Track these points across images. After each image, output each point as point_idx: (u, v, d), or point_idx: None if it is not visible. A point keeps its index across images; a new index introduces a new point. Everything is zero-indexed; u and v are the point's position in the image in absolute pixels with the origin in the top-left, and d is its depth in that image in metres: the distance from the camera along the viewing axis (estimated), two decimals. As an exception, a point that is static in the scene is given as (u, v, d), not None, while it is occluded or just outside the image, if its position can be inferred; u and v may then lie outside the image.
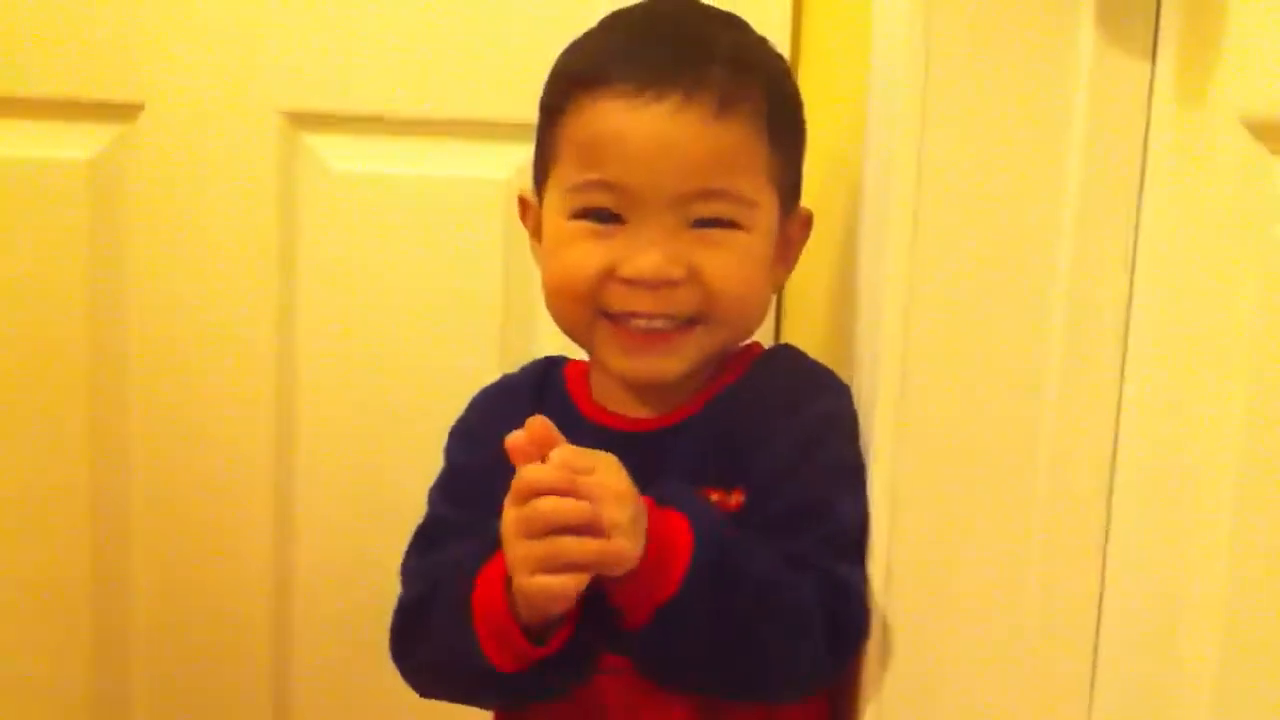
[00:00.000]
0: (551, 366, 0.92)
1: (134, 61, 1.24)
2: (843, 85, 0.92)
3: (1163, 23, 0.74)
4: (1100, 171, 0.75)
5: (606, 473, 0.72)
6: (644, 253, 0.80)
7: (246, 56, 1.24)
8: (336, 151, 1.25)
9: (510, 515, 0.71)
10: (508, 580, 0.74)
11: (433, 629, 0.80)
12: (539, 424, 0.72)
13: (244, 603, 1.31)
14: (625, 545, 0.70)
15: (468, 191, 1.24)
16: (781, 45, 1.13)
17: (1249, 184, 0.66)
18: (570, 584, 0.70)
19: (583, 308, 0.83)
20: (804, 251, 0.91)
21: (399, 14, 1.23)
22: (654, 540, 0.72)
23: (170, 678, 1.33)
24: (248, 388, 1.28)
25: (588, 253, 0.82)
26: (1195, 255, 0.71)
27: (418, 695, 0.84)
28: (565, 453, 0.71)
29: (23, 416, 1.29)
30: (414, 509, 0.90)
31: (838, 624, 0.79)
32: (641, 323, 0.82)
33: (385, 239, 1.25)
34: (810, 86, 1.10)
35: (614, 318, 0.82)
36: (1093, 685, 0.79)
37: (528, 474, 0.71)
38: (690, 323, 0.82)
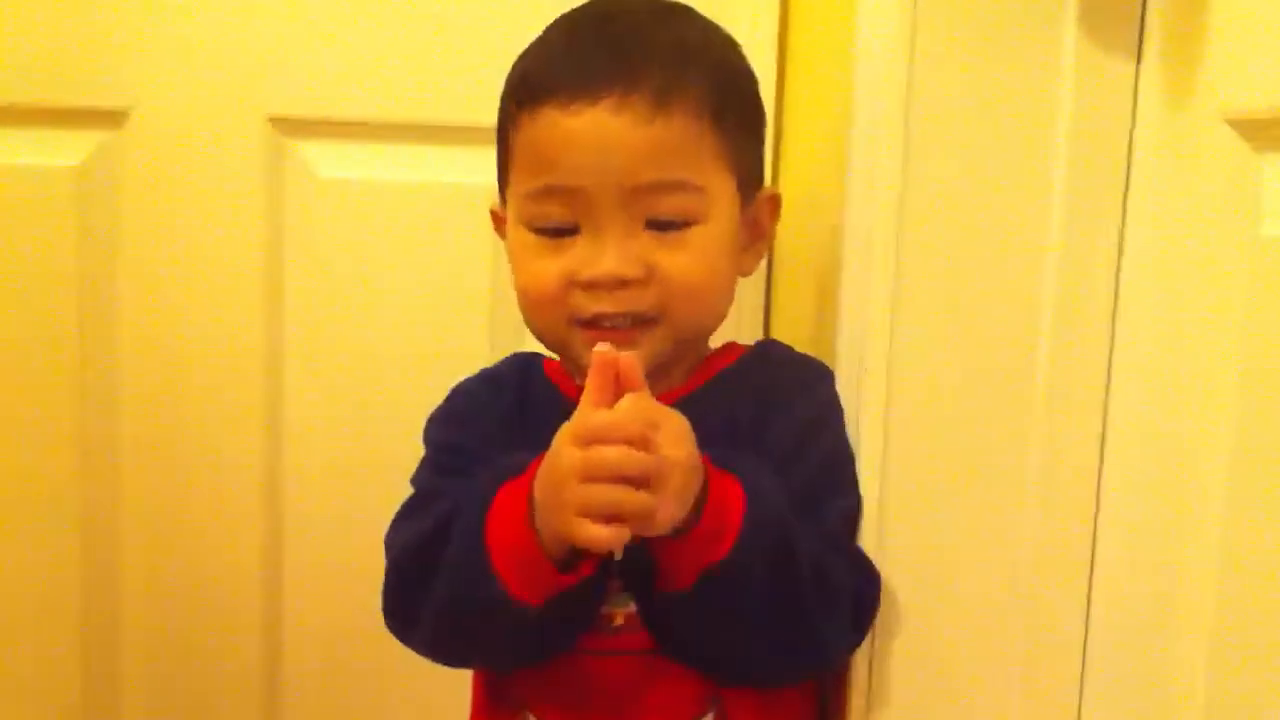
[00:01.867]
0: (530, 359, 0.93)
1: (120, 68, 1.24)
2: (828, 82, 0.92)
3: (1147, 22, 0.74)
4: (1086, 170, 0.76)
5: (673, 439, 0.72)
6: (599, 255, 0.81)
7: (233, 63, 1.24)
8: (323, 157, 1.25)
9: (569, 455, 0.71)
10: (530, 509, 0.74)
11: (441, 574, 0.79)
12: (630, 360, 0.73)
13: (234, 603, 1.31)
14: (669, 511, 0.71)
15: (454, 196, 1.24)
16: (767, 42, 1.14)
17: (1234, 182, 0.66)
18: (617, 536, 0.70)
19: (553, 317, 0.84)
20: (792, 244, 0.91)
21: (385, 20, 1.23)
22: (712, 503, 0.73)
23: (160, 678, 1.32)
24: (236, 392, 1.28)
25: (547, 264, 0.83)
26: (1182, 253, 0.71)
27: (416, 651, 0.83)
28: (637, 402, 0.72)
29: (12, 421, 1.29)
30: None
31: (862, 603, 0.80)
32: (608, 323, 0.82)
33: (373, 244, 1.25)
34: (796, 83, 1.11)
35: (585, 323, 0.83)
36: (1083, 671, 0.79)
37: (600, 419, 0.71)
38: (651, 321, 0.83)
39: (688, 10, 0.89)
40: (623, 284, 0.81)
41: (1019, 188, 0.77)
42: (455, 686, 0.90)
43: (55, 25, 1.23)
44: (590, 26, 0.86)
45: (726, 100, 0.84)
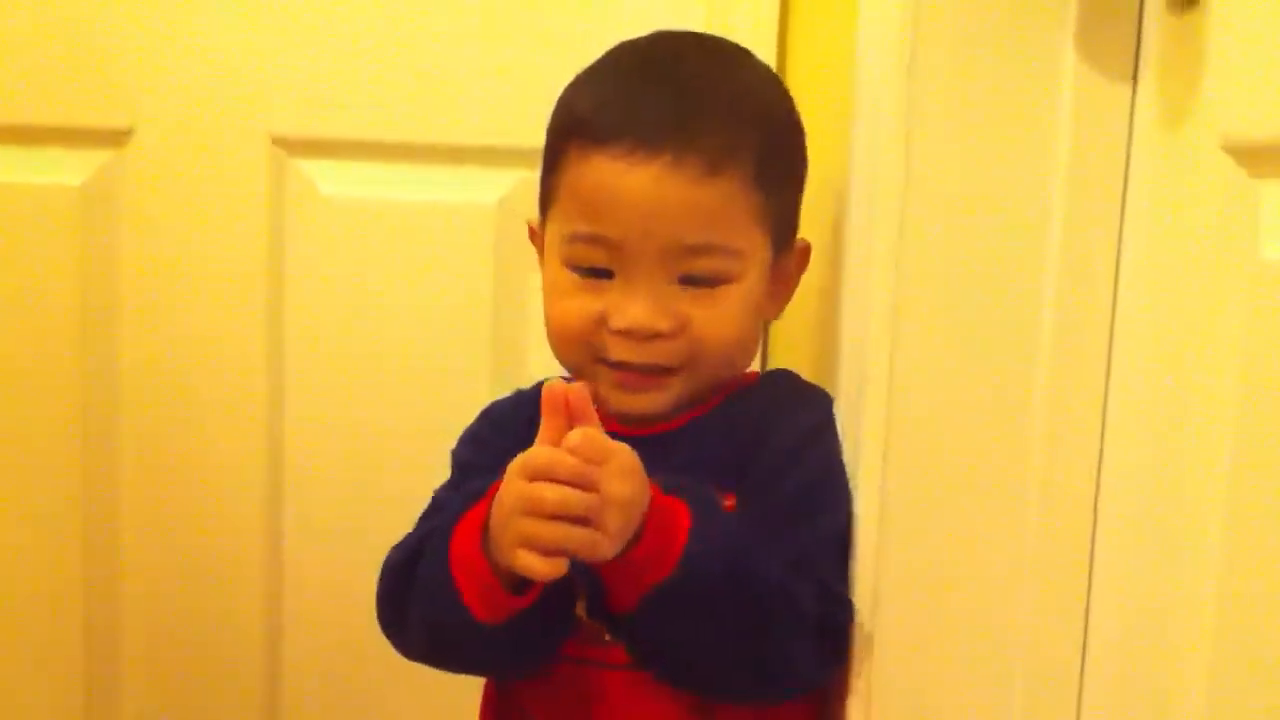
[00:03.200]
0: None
1: (124, 87, 1.25)
2: (828, 106, 0.93)
3: (1143, 47, 0.74)
4: (1083, 195, 0.76)
5: (617, 475, 0.73)
6: (632, 305, 0.83)
7: (236, 82, 1.24)
8: (325, 176, 1.26)
9: (514, 488, 0.73)
10: (484, 531, 0.76)
11: (418, 587, 0.81)
12: (579, 392, 0.74)
13: (235, 616, 1.32)
14: (606, 545, 0.72)
15: (456, 216, 1.24)
16: (765, 60, 1.14)
17: (1231, 207, 0.66)
18: (552, 568, 0.72)
19: (579, 354, 0.86)
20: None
21: (388, 40, 1.24)
22: (652, 527, 0.74)
23: (160, 689, 1.33)
24: (238, 409, 1.29)
25: (580, 305, 0.85)
26: (1179, 277, 0.71)
27: (411, 660, 0.85)
28: (584, 439, 0.72)
29: (16, 437, 1.30)
30: (403, 528, 0.90)
31: (828, 629, 0.80)
32: (632, 368, 0.84)
33: (374, 263, 1.26)
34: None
35: (609, 364, 0.85)
36: (1080, 689, 0.79)
37: (543, 457, 0.73)
38: (674, 370, 0.85)
39: (744, 56, 0.90)
40: (653, 336, 0.83)
41: (1017, 209, 0.77)
42: (456, 690, 0.91)
43: (58, 45, 1.24)
44: (650, 71, 0.86)
45: (775, 159, 0.86)
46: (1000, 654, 0.80)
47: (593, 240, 0.84)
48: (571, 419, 0.74)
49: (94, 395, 1.29)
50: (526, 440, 0.87)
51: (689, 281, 0.83)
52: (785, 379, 0.94)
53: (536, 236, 0.92)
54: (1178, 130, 0.71)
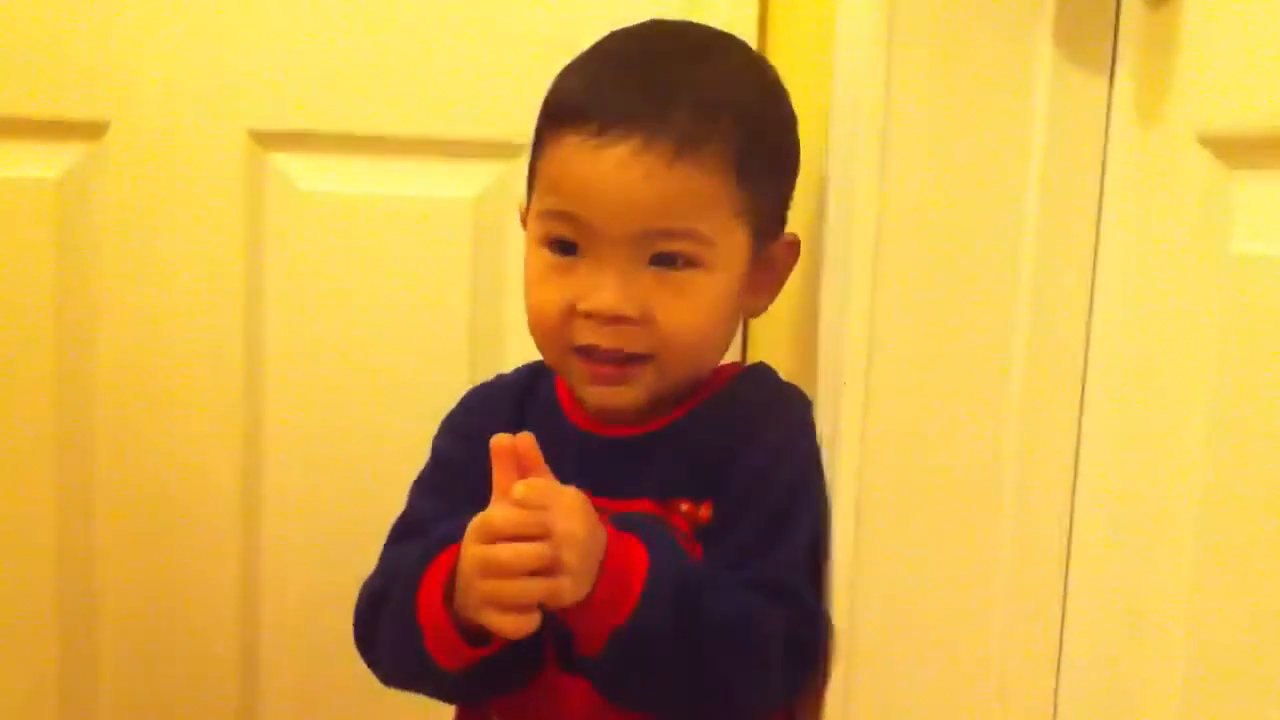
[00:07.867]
0: (542, 371, 0.93)
1: (100, 80, 1.24)
2: (805, 104, 0.93)
3: (1120, 41, 0.74)
4: (1060, 189, 0.76)
5: (566, 514, 0.74)
6: (598, 289, 0.82)
7: (213, 75, 1.24)
8: (303, 170, 1.25)
9: (471, 553, 0.74)
10: (448, 584, 0.77)
11: (386, 623, 0.83)
12: (527, 441, 0.75)
13: (211, 621, 1.31)
14: (570, 586, 0.73)
15: (434, 210, 1.24)
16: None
17: (1207, 200, 0.66)
18: (522, 624, 0.73)
19: (555, 342, 0.86)
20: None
21: (365, 34, 1.23)
22: (608, 569, 0.75)
23: (136, 699, 1.32)
24: (215, 406, 1.28)
25: (551, 290, 0.84)
26: (1155, 270, 0.71)
27: (381, 683, 0.87)
28: (527, 488, 0.74)
29: (-11, 435, 1.29)
30: (383, 525, 0.91)
31: (799, 648, 0.81)
32: (600, 355, 0.84)
33: (352, 258, 1.25)
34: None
35: (581, 351, 0.84)
36: (1055, 704, 0.79)
37: (495, 518, 0.74)
38: (642, 360, 0.84)
39: (730, 44, 0.89)
40: (618, 320, 0.82)
41: (993, 205, 0.77)
42: (434, 704, 0.90)
43: (35, 37, 1.24)
44: (626, 59, 0.86)
45: (752, 149, 0.84)
46: (976, 662, 0.80)
47: (561, 216, 0.83)
48: (521, 469, 0.75)
49: (68, 391, 1.28)
50: (510, 426, 0.87)
51: (658, 262, 0.83)
52: (762, 379, 0.92)
53: (524, 219, 0.91)
54: (1154, 122, 0.71)
